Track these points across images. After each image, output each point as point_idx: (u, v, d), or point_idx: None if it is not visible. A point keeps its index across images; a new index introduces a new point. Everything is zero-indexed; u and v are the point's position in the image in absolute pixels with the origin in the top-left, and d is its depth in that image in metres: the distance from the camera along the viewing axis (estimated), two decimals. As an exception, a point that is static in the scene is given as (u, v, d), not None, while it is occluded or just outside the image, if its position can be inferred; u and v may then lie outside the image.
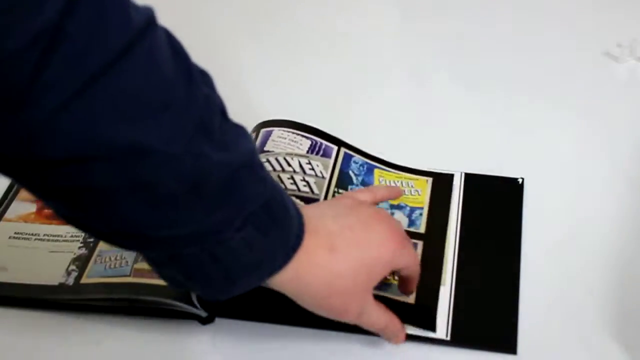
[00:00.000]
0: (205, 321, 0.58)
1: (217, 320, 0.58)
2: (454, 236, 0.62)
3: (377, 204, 0.59)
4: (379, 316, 0.53)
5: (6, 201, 0.68)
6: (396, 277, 0.58)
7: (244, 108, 0.75)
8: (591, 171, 0.67)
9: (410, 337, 0.55)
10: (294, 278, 0.47)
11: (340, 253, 0.49)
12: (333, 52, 0.82)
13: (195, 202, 0.41)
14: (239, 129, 0.44)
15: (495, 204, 0.65)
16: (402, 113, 0.75)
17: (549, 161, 0.69)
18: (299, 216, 0.48)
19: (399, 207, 0.64)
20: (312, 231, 0.48)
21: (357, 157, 0.67)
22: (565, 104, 0.74)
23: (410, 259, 0.54)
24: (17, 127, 0.34)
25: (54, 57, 0.33)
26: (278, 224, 0.46)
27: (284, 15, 0.87)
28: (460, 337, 0.55)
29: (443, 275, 0.59)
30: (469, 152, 0.69)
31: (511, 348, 0.55)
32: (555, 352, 0.55)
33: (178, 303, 0.56)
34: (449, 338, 0.55)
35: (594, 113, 0.73)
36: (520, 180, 0.66)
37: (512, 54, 0.80)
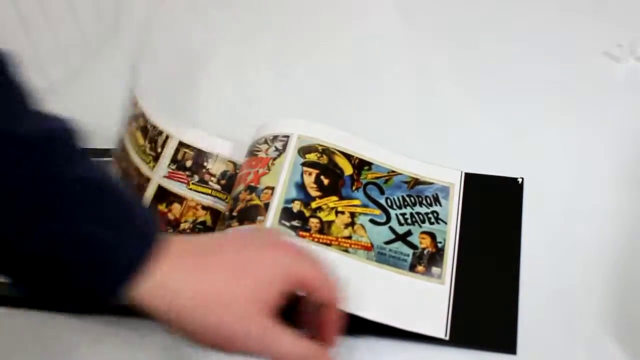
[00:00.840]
0: (205, 321, 0.58)
1: (217, 320, 0.58)
2: (454, 236, 0.62)
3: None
4: (293, 344, 0.44)
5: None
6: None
7: (246, 108, 0.75)
8: (591, 171, 0.67)
9: (410, 337, 0.55)
10: (159, 286, 0.41)
11: (212, 258, 0.44)
12: (333, 52, 0.82)
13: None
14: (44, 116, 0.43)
15: (495, 204, 0.65)
16: (402, 113, 0.75)
17: (549, 161, 0.69)
18: (154, 220, 0.44)
19: None
20: (177, 241, 0.43)
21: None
22: (565, 104, 0.74)
23: (313, 268, 0.46)
24: None
25: None
26: (122, 213, 0.42)
27: (284, 14, 0.87)
28: (459, 337, 0.55)
29: (443, 275, 0.59)
30: (469, 152, 0.69)
31: (511, 348, 0.55)
32: (555, 352, 0.55)
33: (178, 303, 0.56)
34: (448, 338, 0.55)
35: (594, 113, 0.73)
36: (520, 180, 0.66)
37: (512, 54, 0.80)
